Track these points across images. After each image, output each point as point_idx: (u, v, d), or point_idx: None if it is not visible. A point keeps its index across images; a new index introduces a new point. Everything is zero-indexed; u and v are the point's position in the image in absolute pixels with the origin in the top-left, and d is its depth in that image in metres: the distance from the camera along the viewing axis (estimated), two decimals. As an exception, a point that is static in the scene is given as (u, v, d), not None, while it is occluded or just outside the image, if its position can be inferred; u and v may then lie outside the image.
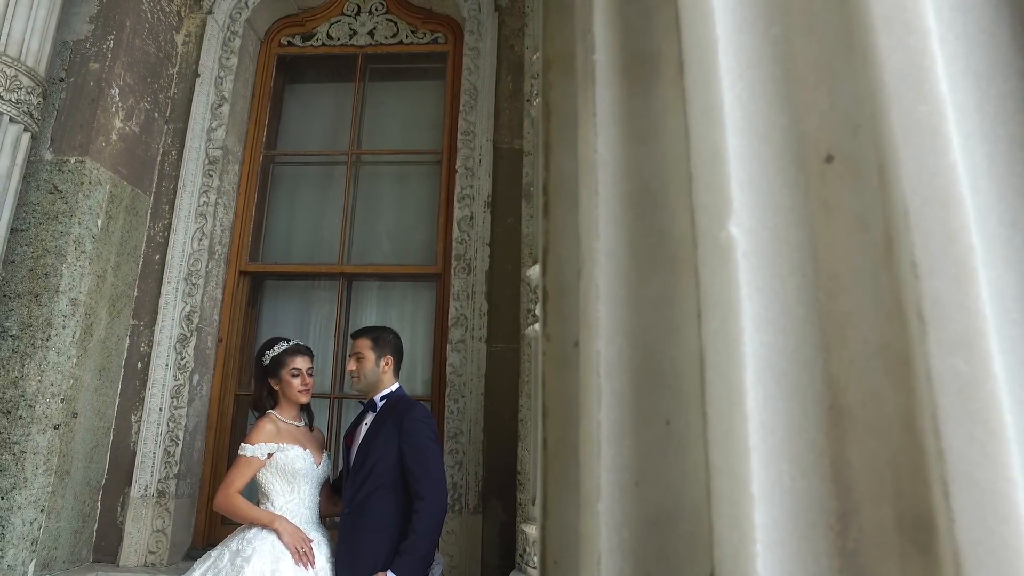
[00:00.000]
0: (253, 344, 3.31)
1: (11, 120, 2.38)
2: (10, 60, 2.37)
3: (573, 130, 0.35)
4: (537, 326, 1.95)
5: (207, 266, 3.07)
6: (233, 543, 2.08)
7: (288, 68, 3.69)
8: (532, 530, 1.83)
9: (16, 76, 2.38)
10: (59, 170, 2.73)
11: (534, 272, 2.03)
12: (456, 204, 3.04)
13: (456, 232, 3.00)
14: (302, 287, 3.44)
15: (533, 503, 1.88)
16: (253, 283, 3.32)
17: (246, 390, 3.23)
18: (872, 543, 0.21)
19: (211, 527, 2.98)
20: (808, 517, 0.22)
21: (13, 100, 2.38)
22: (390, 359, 2.26)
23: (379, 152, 3.53)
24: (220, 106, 3.27)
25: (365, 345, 2.21)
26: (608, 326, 0.28)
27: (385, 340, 2.26)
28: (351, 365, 2.19)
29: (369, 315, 3.29)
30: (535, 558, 1.79)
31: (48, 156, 2.75)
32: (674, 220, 0.28)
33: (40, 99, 2.54)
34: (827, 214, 0.25)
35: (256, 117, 3.45)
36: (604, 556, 0.25)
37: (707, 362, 0.24)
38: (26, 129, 2.48)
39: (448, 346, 2.86)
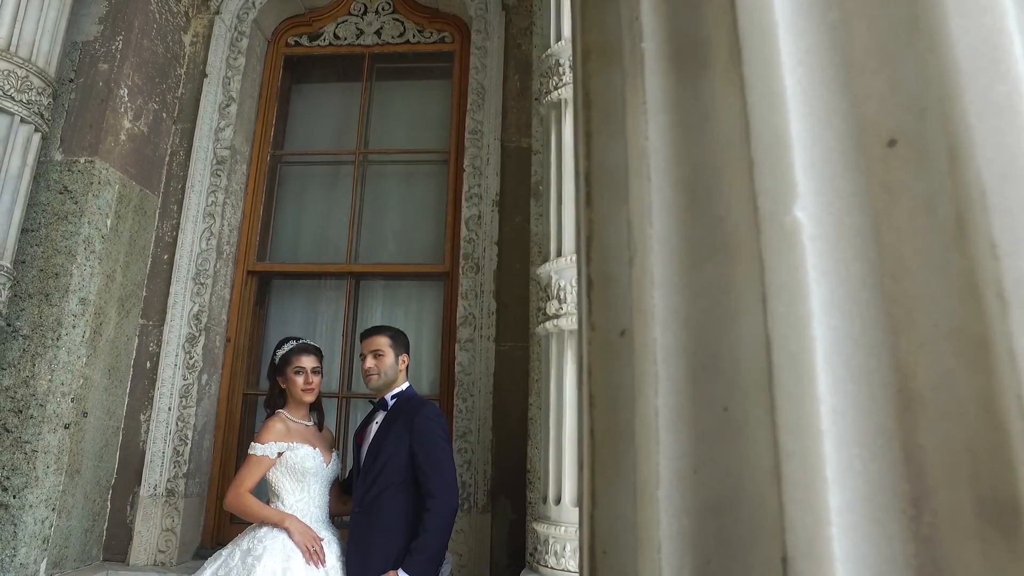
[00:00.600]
0: (261, 344, 3.32)
1: (22, 121, 2.39)
2: (21, 61, 2.38)
3: (616, 119, 0.35)
4: (551, 323, 1.95)
5: (215, 266, 3.08)
6: (244, 542, 2.08)
7: (294, 68, 3.70)
8: (544, 528, 1.83)
9: (27, 77, 2.39)
10: (69, 170, 2.74)
11: (544, 270, 2.02)
12: (464, 203, 3.04)
13: (464, 231, 3.00)
14: (309, 287, 3.45)
15: (544, 501, 1.88)
16: (261, 283, 3.33)
17: (254, 390, 3.24)
18: (948, 528, 0.20)
19: (220, 526, 2.98)
20: (880, 501, 0.21)
21: (24, 101, 2.39)
22: (406, 357, 2.26)
23: (386, 151, 3.53)
24: (228, 106, 3.28)
25: (384, 342, 2.21)
26: (664, 313, 0.27)
27: (401, 338, 2.27)
28: (369, 362, 2.19)
29: (376, 314, 3.30)
30: (548, 556, 1.79)
31: (58, 156, 2.76)
32: (729, 206, 0.28)
33: (50, 100, 2.56)
34: (891, 197, 0.24)
35: (263, 117, 3.45)
36: (665, 544, 0.25)
37: (774, 346, 0.24)
38: (36, 130, 2.49)
39: (456, 345, 2.86)
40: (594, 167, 0.38)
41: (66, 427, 2.57)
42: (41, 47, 2.46)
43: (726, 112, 0.30)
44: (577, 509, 1.86)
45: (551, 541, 1.81)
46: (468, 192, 3.05)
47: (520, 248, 2.96)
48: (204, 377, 2.97)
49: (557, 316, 1.94)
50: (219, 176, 3.17)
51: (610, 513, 0.32)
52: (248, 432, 3.18)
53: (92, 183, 2.73)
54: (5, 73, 2.32)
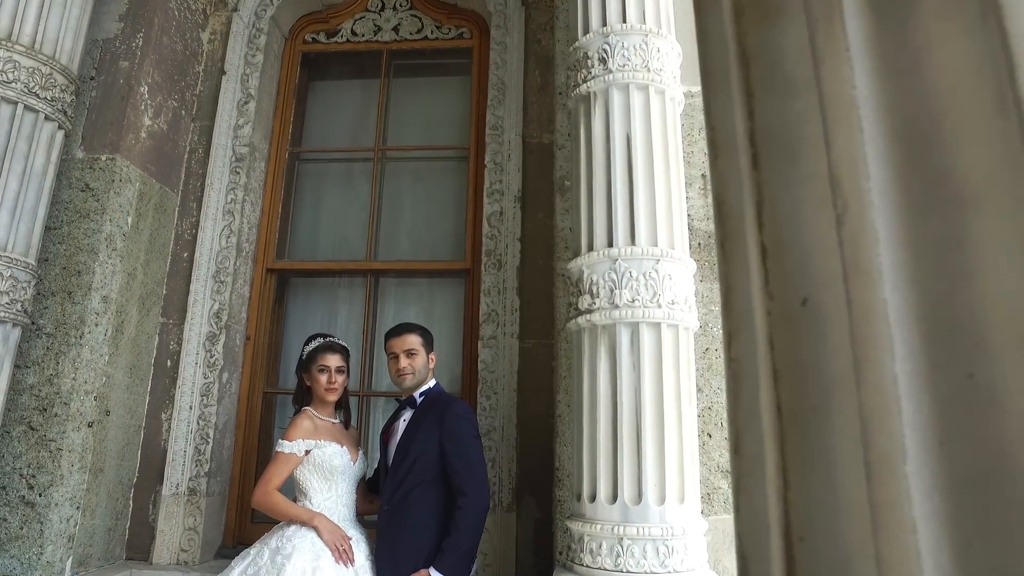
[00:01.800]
0: (280, 342, 3.31)
1: (46, 118, 2.38)
2: (45, 58, 2.37)
3: (793, 72, 0.33)
4: (583, 319, 1.92)
5: (235, 263, 3.06)
6: (272, 540, 2.06)
7: (311, 65, 3.68)
8: (578, 526, 1.80)
9: (51, 74, 2.38)
10: (90, 168, 2.73)
11: (575, 265, 1.99)
12: (485, 199, 3.01)
13: (486, 227, 2.98)
14: (328, 285, 3.43)
15: (578, 499, 1.84)
16: (279, 281, 3.31)
17: (274, 388, 3.22)
18: None
19: (241, 525, 2.97)
20: None
21: (48, 98, 2.38)
22: (434, 355, 2.25)
23: (405, 148, 3.51)
24: (246, 103, 3.26)
25: (417, 341, 2.19)
26: (892, 272, 0.25)
27: (429, 336, 2.25)
28: (403, 361, 2.16)
29: (396, 312, 3.28)
30: (583, 555, 1.76)
31: (79, 154, 2.75)
32: (956, 157, 0.26)
33: (73, 97, 2.54)
34: None
35: (281, 114, 3.44)
36: (920, 524, 0.22)
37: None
38: (60, 127, 2.48)
39: (479, 342, 2.84)
40: (759, 127, 0.35)
41: (89, 425, 2.56)
42: (64, 44, 2.45)
43: (938, 59, 0.28)
44: (614, 507, 1.83)
45: (586, 539, 1.78)
46: (489, 188, 3.03)
47: (543, 244, 2.93)
48: (225, 375, 2.96)
49: (590, 311, 1.91)
50: (238, 173, 3.16)
51: (806, 496, 0.29)
52: (268, 431, 3.17)
53: (113, 181, 2.72)
54: (30, 70, 2.31)
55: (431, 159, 3.51)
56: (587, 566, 1.76)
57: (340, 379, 2.27)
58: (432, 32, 3.49)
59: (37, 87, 2.33)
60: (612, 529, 1.73)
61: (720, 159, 0.40)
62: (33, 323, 2.53)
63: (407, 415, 2.22)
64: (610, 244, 1.95)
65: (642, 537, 1.71)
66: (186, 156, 3.24)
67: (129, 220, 2.80)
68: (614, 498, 1.77)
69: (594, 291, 1.93)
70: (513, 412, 2.72)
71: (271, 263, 3.25)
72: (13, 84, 2.26)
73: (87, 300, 2.59)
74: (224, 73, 3.31)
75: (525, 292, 2.88)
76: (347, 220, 3.46)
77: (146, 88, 2.93)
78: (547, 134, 3.10)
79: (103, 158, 2.74)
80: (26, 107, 2.30)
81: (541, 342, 2.81)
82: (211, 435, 2.87)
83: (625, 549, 1.71)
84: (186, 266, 3.08)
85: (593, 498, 1.81)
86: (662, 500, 1.75)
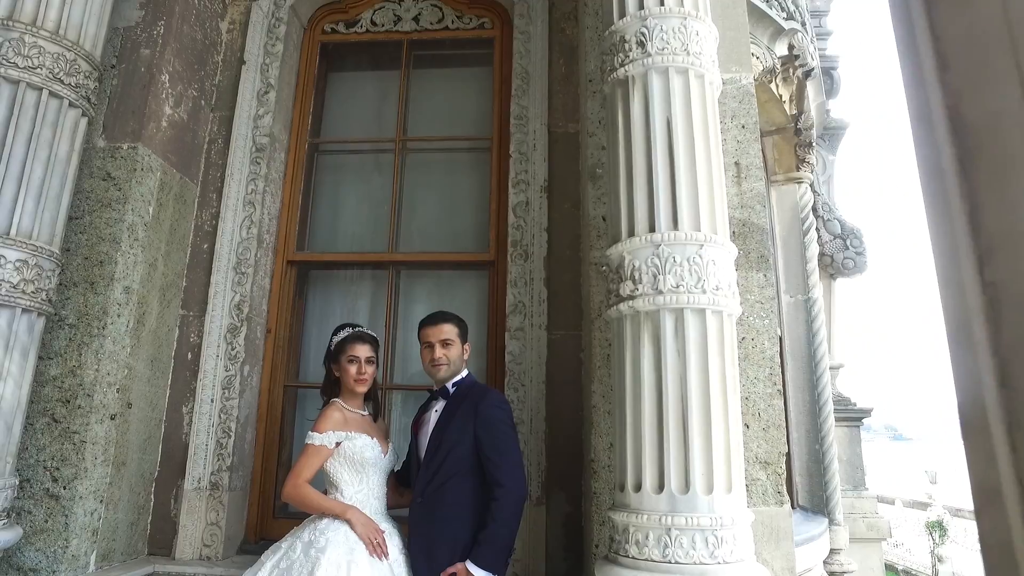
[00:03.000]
0: (301, 335, 3.27)
1: (71, 105, 2.34)
2: (70, 44, 2.32)
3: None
4: (624, 305, 1.88)
5: (256, 255, 3.02)
6: (305, 534, 2.02)
7: (329, 56, 3.64)
8: (623, 517, 1.75)
9: (75, 60, 2.34)
10: (112, 157, 2.69)
11: (616, 251, 1.95)
12: (511, 189, 2.97)
13: (511, 218, 2.94)
14: (348, 277, 3.39)
15: (621, 489, 1.79)
16: (300, 273, 3.27)
17: (295, 382, 3.18)
18: None
19: (263, 521, 2.92)
20: None
21: (72, 84, 2.34)
22: (468, 346, 2.21)
23: (427, 139, 3.47)
24: (266, 93, 3.23)
25: (453, 331, 2.15)
26: None
27: (464, 326, 2.21)
28: (439, 351, 2.12)
29: (417, 304, 3.23)
30: (628, 546, 1.71)
31: (101, 143, 2.71)
32: None
33: (96, 84, 2.50)
34: None
35: (301, 105, 3.40)
36: None
37: None
38: (84, 114, 2.44)
39: (506, 334, 2.80)
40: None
41: (112, 418, 2.52)
42: (88, 30, 2.41)
43: None
44: (660, 496, 1.79)
45: (631, 530, 1.73)
46: (515, 179, 2.98)
47: (569, 234, 2.89)
48: (246, 368, 2.92)
49: (632, 297, 1.86)
50: (259, 164, 3.12)
51: None
52: (290, 425, 3.13)
53: (135, 170, 2.68)
54: (55, 56, 2.26)
55: (452, 150, 3.47)
56: (633, 557, 1.71)
57: (370, 370, 2.22)
58: (453, 22, 3.45)
59: (62, 73, 2.29)
60: (659, 519, 1.69)
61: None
62: (56, 314, 2.48)
63: (439, 406, 2.17)
64: (652, 229, 1.91)
65: (691, 527, 1.67)
66: (205, 146, 3.20)
67: (151, 210, 2.76)
68: (660, 487, 1.73)
69: (636, 277, 1.88)
70: (542, 404, 2.68)
71: (291, 255, 3.21)
72: (38, 70, 2.22)
73: (109, 291, 2.54)
74: (244, 63, 3.27)
75: (552, 283, 2.84)
76: (367, 212, 3.42)
77: (167, 77, 2.89)
78: (572, 123, 3.06)
79: (125, 147, 2.70)
80: (51, 93, 2.25)
81: (569, 333, 2.77)
82: (233, 429, 2.82)
83: (673, 540, 1.67)
84: (206, 257, 3.04)
85: (638, 488, 1.76)
86: (710, 489, 1.70)
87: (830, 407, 4.19)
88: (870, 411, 5.48)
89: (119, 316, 2.58)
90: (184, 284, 3.02)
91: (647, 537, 1.70)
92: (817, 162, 5.68)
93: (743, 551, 1.71)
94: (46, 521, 2.27)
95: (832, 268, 5.73)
